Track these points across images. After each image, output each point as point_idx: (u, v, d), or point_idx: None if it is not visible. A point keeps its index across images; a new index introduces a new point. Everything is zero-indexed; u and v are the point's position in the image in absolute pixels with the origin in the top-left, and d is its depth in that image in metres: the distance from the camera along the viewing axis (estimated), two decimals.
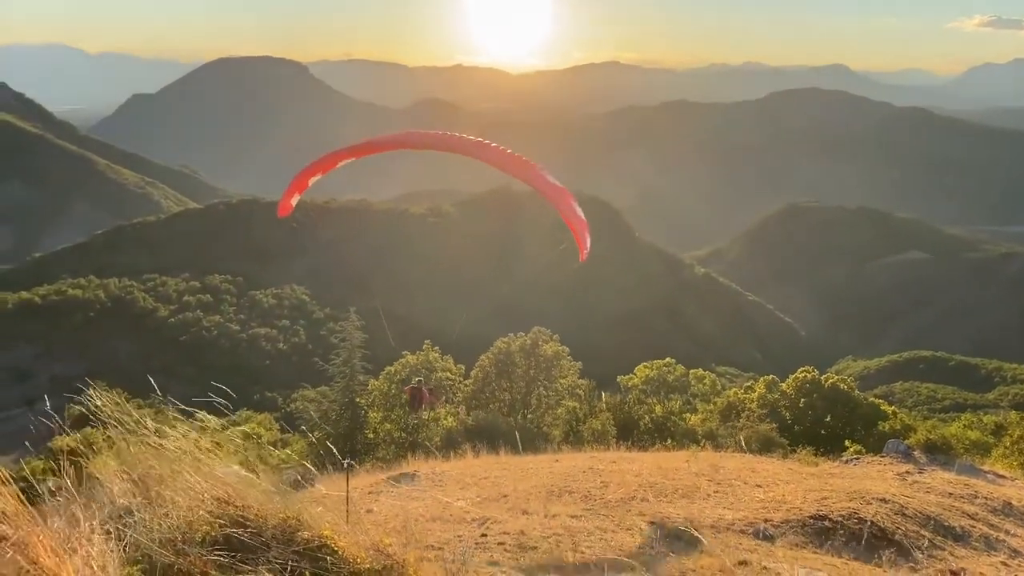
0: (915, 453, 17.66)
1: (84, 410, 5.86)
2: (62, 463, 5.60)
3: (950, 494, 13.42)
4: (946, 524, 11.69)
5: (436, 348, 37.05)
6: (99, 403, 5.64)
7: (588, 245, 11.14)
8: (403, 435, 31.36)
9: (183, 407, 6.06)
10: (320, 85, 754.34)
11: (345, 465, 7.33)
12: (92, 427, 6.01)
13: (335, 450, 8.73)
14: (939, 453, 18.03)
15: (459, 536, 8.75)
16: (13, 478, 4.92)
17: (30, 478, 5.38)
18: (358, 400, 31.69)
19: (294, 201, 10.87)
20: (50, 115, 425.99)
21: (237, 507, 4.66)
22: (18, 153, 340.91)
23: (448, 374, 35.48)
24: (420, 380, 19.24)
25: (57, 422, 8.09)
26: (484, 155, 10.66)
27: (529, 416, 33.86)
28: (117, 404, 5.64)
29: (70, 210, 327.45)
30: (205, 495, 4.76)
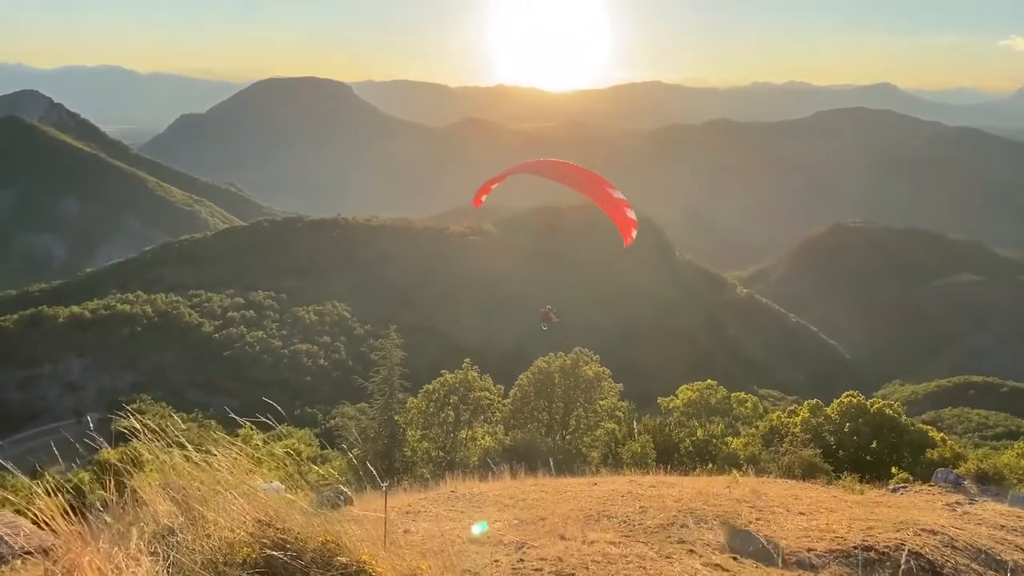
0: (965, 483, 17.15)
1: (129, 424, 5.94)
2: (107, 479, 5.69)
3: (1003, 526, 12.99)
4: (998, 558, 11.30)
5: (475, 367, 37.13)
6: (144, 417, 5.72)
7: (634, 237, 13.02)
8: (441, 454, 31.46)
9: (233, 417, 6.11)
10: (364, 105, 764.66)
11: (383, 489, 7.35)
12: (137, 440, 6.09)
13: (373, 471, 8.78)
14: (991, 483, 17.48)
15: (496, 561, 8.69)
16: (62, 489, 5.03)
17: (78, 490, 5.47)
18: (396, 418, 31.85)
19: (484, 198, 14.33)
20: (103, 135, 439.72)
21: (278, 529, 4.68)
22: (74, 171, 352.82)
23: (487, 393, 35.44)
24: (550, 307, 20.88)
25: (103, 435, 8.23)
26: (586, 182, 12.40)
27: (568, 437, 33.67)
28: (162, 418, 5.72)
29: (121, 226, 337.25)
30: (247, 516, 4.79)
